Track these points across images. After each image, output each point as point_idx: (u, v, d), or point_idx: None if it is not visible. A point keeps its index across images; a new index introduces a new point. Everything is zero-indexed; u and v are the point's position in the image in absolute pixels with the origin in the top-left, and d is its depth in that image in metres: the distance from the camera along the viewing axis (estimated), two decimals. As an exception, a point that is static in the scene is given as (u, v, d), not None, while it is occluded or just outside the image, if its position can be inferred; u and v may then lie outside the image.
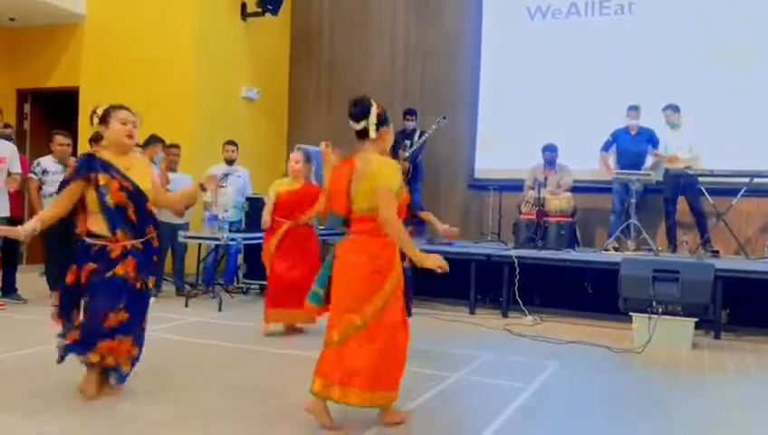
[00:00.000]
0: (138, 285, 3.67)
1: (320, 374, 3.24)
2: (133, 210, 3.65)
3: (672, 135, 7.72)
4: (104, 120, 3.69)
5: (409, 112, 8.59)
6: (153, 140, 7.05)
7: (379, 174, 3.20)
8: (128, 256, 3.63)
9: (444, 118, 8.05)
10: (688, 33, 8.26)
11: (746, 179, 7.27)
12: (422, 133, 8.27)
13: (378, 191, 3.17)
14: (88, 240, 3.64)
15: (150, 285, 3.78)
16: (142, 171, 3.79)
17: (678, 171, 7.58)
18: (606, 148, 8.06)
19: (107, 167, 3.63)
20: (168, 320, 5.97)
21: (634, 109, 7.91)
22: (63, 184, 3.66)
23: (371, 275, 3.21)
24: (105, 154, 3.69)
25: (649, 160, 7.93)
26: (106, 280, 3.58)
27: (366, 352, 3.17)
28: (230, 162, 8.03)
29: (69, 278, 3.66)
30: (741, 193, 7.25)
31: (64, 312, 3.69)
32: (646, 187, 7.75)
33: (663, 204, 7.85)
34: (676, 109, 7.69)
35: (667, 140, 7.77)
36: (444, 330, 6.13)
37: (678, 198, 7.73)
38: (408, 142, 8.29)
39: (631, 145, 7.89)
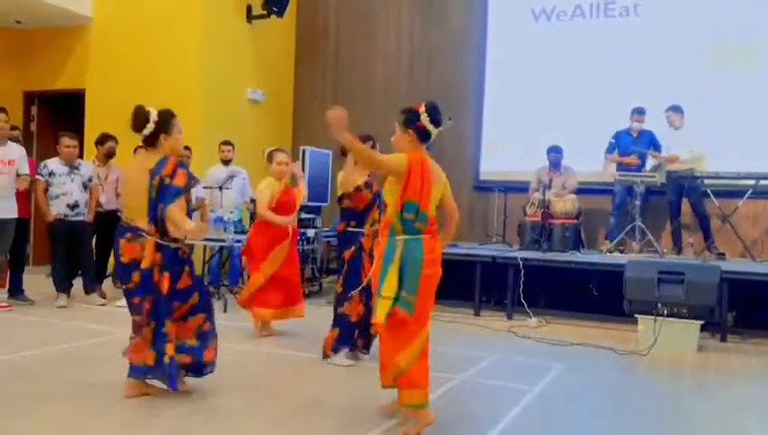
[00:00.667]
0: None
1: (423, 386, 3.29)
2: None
3: (674, 136, 7.71)
4: (165, 129, 3.68)
5: None
6: None
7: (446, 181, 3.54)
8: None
9: (449, 119, 8.03)
10: (693, 35, 8.24)
11: (752, 181, 7.25)
12: None
13: (448, 195, 3.58)
14: (175, 245, 3.68)
15: None
16: None
17: (681, 173, 7.56)
18: (610, 150, 8.04)
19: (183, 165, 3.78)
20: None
21: (638, 112, 7.89)
22: (183, 192, 3.61)
23: (437, 276, 3.36)
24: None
25: (650, 162, 7.90)
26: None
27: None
28: (226, 162, 8.06)
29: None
30: (747, 195, 7.23)
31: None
32: (649, 188, 7.74)
33: (667, 206, 7.83)
34: (677, 110, 7.67)
35: (668, 141, 7.75)
36: (448, 331, 6.13)
37: (682, 200, 7.71)
38: None
39: (632, 146, 7.87)
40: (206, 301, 3.84)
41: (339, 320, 4.71)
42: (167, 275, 3.57)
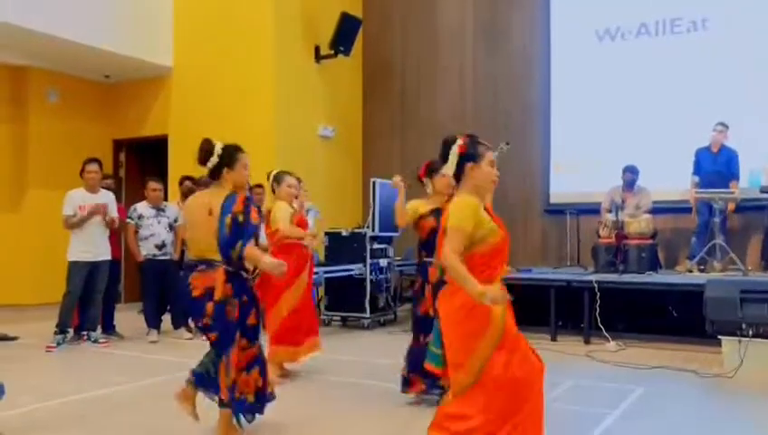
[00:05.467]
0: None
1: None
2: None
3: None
4: (229, 163, 3.67)
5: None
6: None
7: (449, 213, 2.89)
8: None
9: (507, 144, 8.10)
10: (757, 44, 8.04)
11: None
12: None
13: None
14: (246, 275, 3.72)
15: None
16: None
17: None
18: (695, 170, 7.81)
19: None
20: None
21: (720, 125, 7.68)
22: (257, 229, 3.76)
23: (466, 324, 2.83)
24: None
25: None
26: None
27: None
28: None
29: None
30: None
31: None
32: (738, 205, 7.49)
33: (753, 223, 7.50)
34: None
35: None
36: (525, 357, 6.08)
37: None
38: None
39: (712, 164, 7.67)
40: (262, 353, 3.79)
41: (408, 355, 4.56)
42: (236, 302, 3.56)
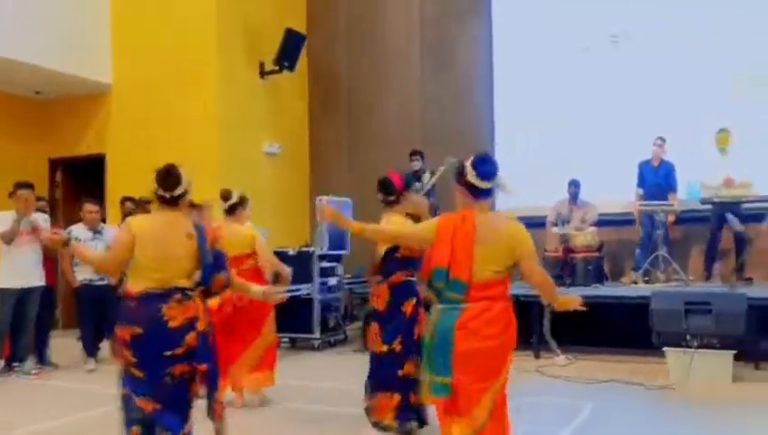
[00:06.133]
0: None
1: None
2: None
3: (721, 160, 7.49)
4: (190, 191, 3.56)
5: (413, 153, 8.74)
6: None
7: (524, 237, 3.04)
8: None
9: (453, 158, 8.16)
10: (701, 61, 8.26)
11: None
12: (432, 174, 8.33)
13: (522, 256, 3.01)
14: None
15: None
16: None
17: (724, 200, 7.37)
18: (639, 183, 7.97)
19: None
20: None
21: (659, 139, 7.86)
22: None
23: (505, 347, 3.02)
24: None
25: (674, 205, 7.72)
26: None
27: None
28: None
29: None
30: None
31: None
32: (678, 217, 7.65)
33: (704, 233, 7.68)
34: (728, 132, 7.46)
35: (715, 164, 7.52)
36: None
37: (724, 226, 7.52)
38: (417, 184, 8.37)
39: (653, 177, 7.84)
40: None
41: (400, 383, 4.13)
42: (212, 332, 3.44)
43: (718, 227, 7.53)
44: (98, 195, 8.61)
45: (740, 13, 8.16)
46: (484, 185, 3.02)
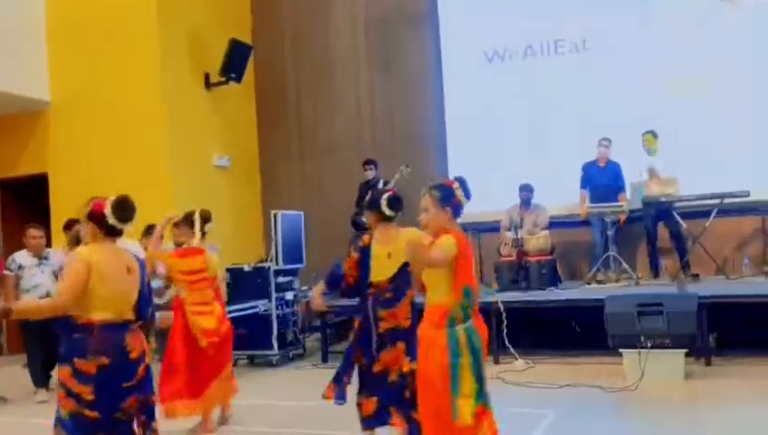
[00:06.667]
0: None
1: None
2: None
3: (649, 161, 7.78)
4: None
5: (367, 162, 8.77)
6: (152, 230, 7.04)
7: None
8: None
9: (407, 166, 8.23)
10: (641, 66, 8.51)
11: (717, 201, 7.42)
12: (385, 183, 8.34)
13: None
14: None
15: None
16: None
17: (654, 198, 7.64)
18: (583, 184, 8.13)
19: None
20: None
21: (606, 140, 8.02)
22: None
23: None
24: None
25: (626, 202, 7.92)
26: None
27: None
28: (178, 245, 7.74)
29: None
30: (713, 215, 7.40)
31: None
32: (629, 216, 7.86)
33: (645, 231, 7.92)
34: (654, 134, 7.79)
35: (645, 165, 7.80)
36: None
37: (659, 224, 7.80)
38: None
39: (600, 178, 8.02)
40: None
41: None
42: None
43: (654, 226, 7.77)
44: (41, 216, 8.32)
45: (670, 23, 8.46)
46: (466, 203, 3.25)
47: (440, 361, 3.03)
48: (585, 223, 8.17)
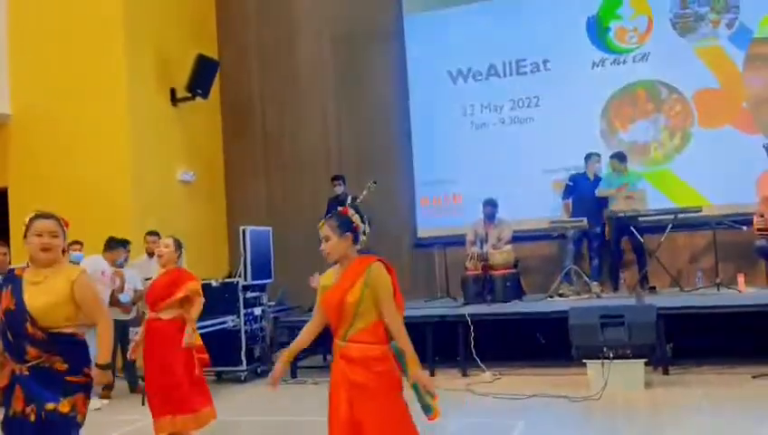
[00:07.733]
0: (32, 419, 3.13)
1: None
2: (9, 331, 3.23)
3: (617, 182, 7.98)
4: (25, 234, 3.40)
5: (335, 178, 8.87)
6: (114, 243, 6.97)
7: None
8: (15, 386, 3.20)
9: (374, 182, 8.34)
10: (602, 85, 8.88)
11: (671, 216, 7.75)
12: (354, 199, 8.43)
13: None
14: None
15: (57, 410, 3.16)
16: (50, 287, 3.27)
17: (614, 213, 7.85)
18: (567, 195, 8.32)
19: (12, 281, 3.32)
20: (126, 423, 5.78)
21: (596, 155, 8.26)
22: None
23: None
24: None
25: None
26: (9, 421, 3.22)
27: None
28: (151, 254, 7.48)
29: None
30: (668, 229, 7.72)
31: None
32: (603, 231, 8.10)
33: (611, 246, 8.13)
34: (622, 158, 8.03)
35: (613, 185, 8.00)
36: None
37: (623, 238, 8.03)
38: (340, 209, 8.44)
39: (588, 190, 8.12)
40: None
41: None
42: None
43: (617, 240, 8.04)
44: (4, 231, 8.17)
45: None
46: (366, 229, 3.35)
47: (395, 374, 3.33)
48: (548, 237, 8.40)
